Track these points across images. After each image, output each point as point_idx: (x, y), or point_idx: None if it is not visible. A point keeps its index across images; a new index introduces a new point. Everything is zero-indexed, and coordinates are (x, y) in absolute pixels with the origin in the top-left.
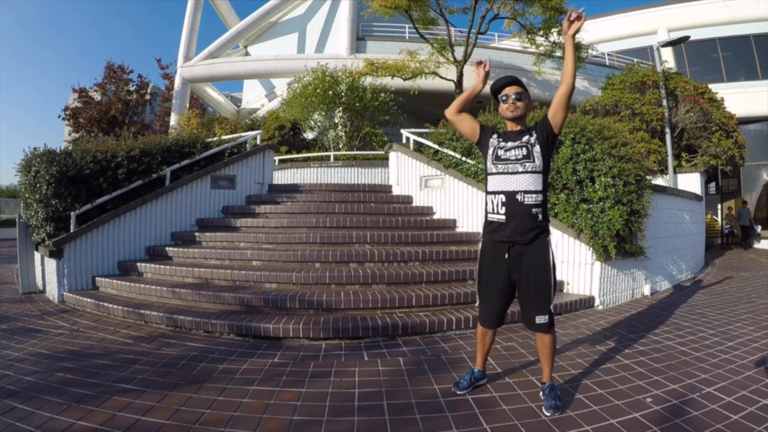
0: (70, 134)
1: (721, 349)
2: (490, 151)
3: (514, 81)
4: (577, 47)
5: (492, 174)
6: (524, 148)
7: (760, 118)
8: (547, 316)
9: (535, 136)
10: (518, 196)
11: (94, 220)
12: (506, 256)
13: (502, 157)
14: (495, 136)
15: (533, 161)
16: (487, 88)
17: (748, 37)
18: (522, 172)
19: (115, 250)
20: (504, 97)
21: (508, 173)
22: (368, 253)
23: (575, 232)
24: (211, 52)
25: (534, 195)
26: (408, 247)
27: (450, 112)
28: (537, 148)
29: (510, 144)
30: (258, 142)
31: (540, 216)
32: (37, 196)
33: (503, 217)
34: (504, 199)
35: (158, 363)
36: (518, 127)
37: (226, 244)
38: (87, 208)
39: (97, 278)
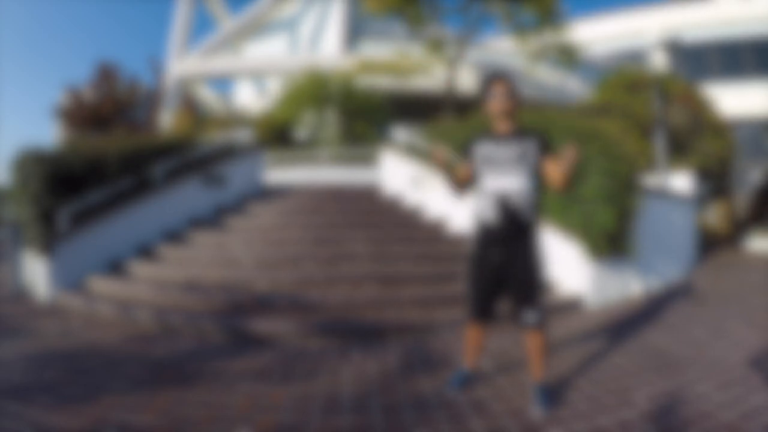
0: (61, 133)
1: (713, 347)
2: (480, 158)
3: (501, 77)
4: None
5: (483, 175)
6: (518, 148)
7: (752, 118)
8: (535, 314)
9: (533, 144)
10: (510, 196)
11: (85, 218)
12: (496, 252)
13: (494, 157)
14: (480, 142)
15: (527, 162)
16: (478, 89)
17: (742, 37)
18: (514, 173)
19: (106, 249)
20: (492, 94)
21: (499, 174)
22: (359, 253)
23: (566, 231)
24: (204, 50)
25: (525, 194)
26: (399, 246)
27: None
28: (533, 151)
29: (502, 144)
30: (250, 141)
31: (531, 215)
32: (27, 195)
33: (494, 216)
34: (495, 199)
35: (148, 363)
36: (509, 126)
37: (217, 243)
38: (77, 207)
39: (87, 277)
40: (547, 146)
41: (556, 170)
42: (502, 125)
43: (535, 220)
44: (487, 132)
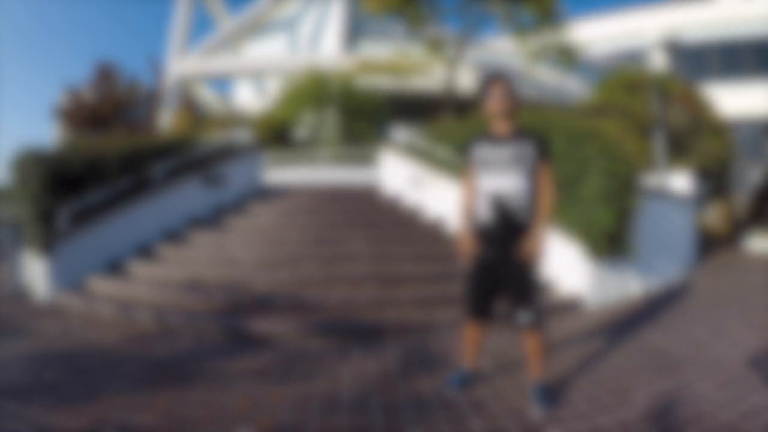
0: (60, 133)
1: (713, 347)
2: (478, 159)
3: (500, 77)
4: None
5: (480, 175)
6: (516, 149)
7: (752, 118)
8: (531, 314)
9: (532, 147)
10: (505, 197)
11: (84, 218)
12: (492, 252)
13: (490, 158)
14: (478, 144)
15: (524, 163)
16: (478, 89)
17: (742, 37)
18: (511, 173)
19: (106, 249)
20: (491, 95)
21: (496, 174)
22: (359, 253)
23: (566, 231)
24: (204, 50)
25: (521, 195)
26: (399, 246)
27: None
28: (531, 154)
29: (499, 145)
30: (250, 141)
31: (527, 215)
32: (27, 195)
33: (489, 217)
34: (491, 200)
35: (148, 363)
36: (508, 127)
37: (217, 243)
38: (77, 207)
39: (86, 277)
40: (545, 151)
41: (544, 197)
42: (500, 126)
43: (531, 219)
44: (485, 133)
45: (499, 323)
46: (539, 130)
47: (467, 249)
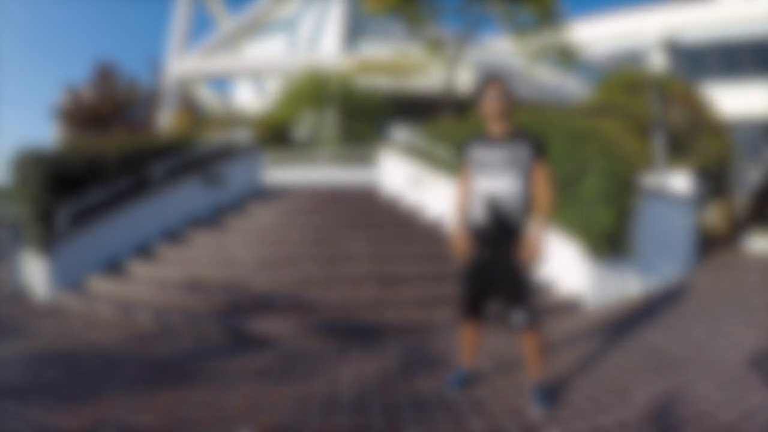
0: (60, 133)
1: (713, 347)
2: (473, 160)
3: (496, 79)
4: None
5: (477, 176)
6: (510, 151)
7: (752, 118)
8: (525, 314)
9: (527, 147)
10: (499, 198)
11: (84, 218)
12: (486, 252)
13: (485, 160)
14: (474, 145)
15: (519, 164)
16: (476, 89)
17: (741, 37)
18: (505, 175)
19: (105, 249)
20: (487, 95)
21: (490, 176)
22: (359, 253)
23: (565, 231)
24: (204, 50)
25: (515, 197)
26: (399, 246)
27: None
28: (526, 154)
29: (494, 147)
30: (249, 141)
31: (521, 217)
32: (27, 195)
33: (483, 218)
34: (485, 201)
35: (148, 363)
36: (503, 128)
37: (217, 243)
38: (77, 207)
39: (86, 277)
40: (540, 149)
41: (541, 195)
42: (496, 127)
43: (525, 221)
44: (482, 134)
45: (495, 323)
46: (535, 131)
47: (461, 249)
